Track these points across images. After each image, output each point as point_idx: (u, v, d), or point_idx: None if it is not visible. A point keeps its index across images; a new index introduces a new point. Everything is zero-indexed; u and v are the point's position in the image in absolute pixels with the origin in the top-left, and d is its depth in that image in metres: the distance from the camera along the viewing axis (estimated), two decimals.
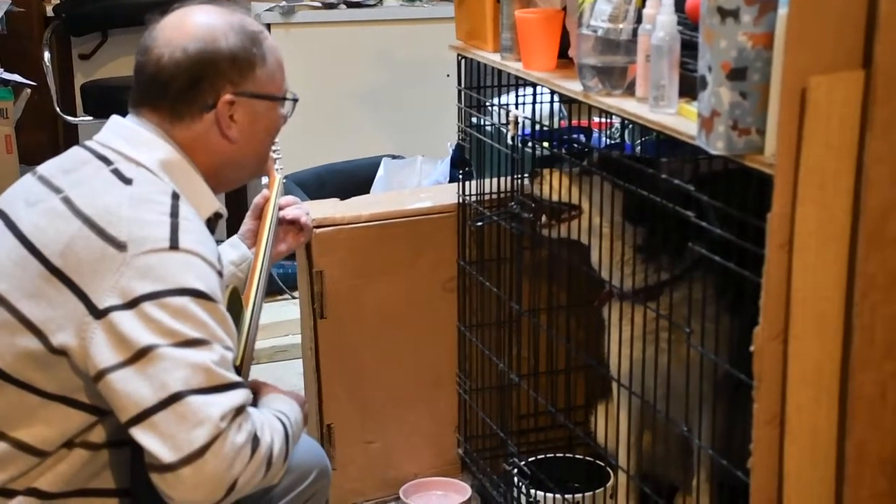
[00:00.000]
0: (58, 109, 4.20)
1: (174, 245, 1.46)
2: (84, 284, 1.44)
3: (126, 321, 1.41)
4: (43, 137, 4.26)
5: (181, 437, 1.38)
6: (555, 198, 2.13)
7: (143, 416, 1.40)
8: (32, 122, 4.11)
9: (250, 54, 1.60)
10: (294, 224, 2.02)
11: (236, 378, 1.45)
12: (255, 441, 1.43)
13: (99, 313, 1.42)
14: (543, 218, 2.16)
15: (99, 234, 1.46)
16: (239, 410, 1.42)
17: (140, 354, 1.40)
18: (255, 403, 1.60)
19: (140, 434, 1.40)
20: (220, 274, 1.52)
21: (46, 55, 4.16)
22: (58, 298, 1.45)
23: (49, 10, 4.34)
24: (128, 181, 1.52)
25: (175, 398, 1.39)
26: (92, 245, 1.45)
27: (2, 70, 3.77)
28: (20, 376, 1.48)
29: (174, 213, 1.49)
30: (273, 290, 3.51)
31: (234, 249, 1.95)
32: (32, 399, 1.48)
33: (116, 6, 4.29)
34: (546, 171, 2.15)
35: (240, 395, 1.43)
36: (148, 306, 1.41)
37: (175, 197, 1.52)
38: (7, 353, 1.48)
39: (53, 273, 1.45)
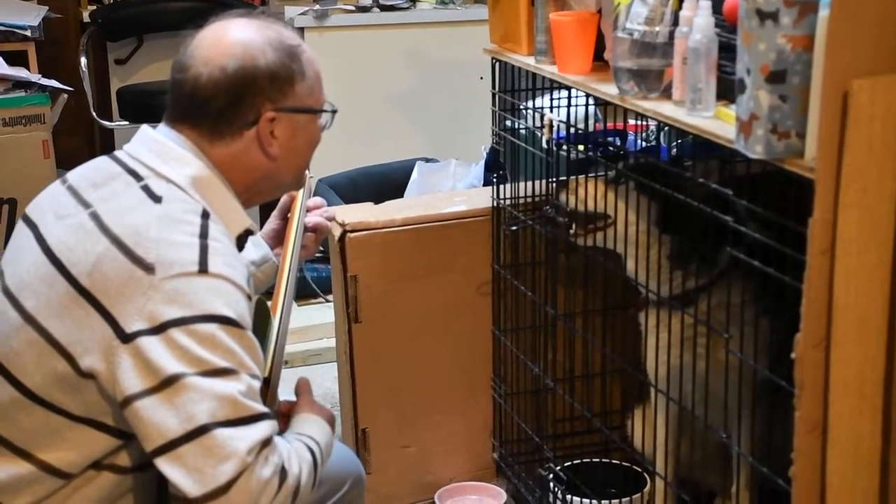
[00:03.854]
0: (94, 114, 4.23)
1: (203, 269, 1.43)
2: (111, 307, 1.42)
3: (153, 347, 1.39)
4: (80, 142, 4.30)
5: (207, 472, 1.36)
6: (583, 208, 2.12)
7: (168, 448, 1.38)
8: (69, 127, 4.15)
9: (289, 70, 1.57)
10: (315, 230, 1.96)
11: (263, 409, 1.43)
12: (282, 473, 1.41)
13: (126, 337, 1.40)
14: (574, 227, 2.14)
15: (127, 254, 1.43)
16: (266, 443, 1.40)
17: (167, 383, 1.38)
18: (286, 425, 1.59)
19: (165, 465, 1.38)
20: (248, 297, 1.49)
21: (83, 60, 4.19)
22: (85, 320, 1.43)
23: (85, 16, 4.38)
24: (157, 199, 1.49)
25: (202, 431, 1.37)
26: (119, 266, 1.43)
27: (39, 76, 3.80)
28: (48, 397, 1.46)
29: (203, 235, 1.47)
30: (307, 293, 3.52)
31: (256, 249, 1.91)
32: (59, 421, 1.47)
33: (152, 12, 4.33)
34: (573, 182, 2.13)
35: (266, 427, 1.42)
36: (175, 333, 1.39)
37: (205, 216, 1.50)
38: (36, 373, 1.47)
39: (81, 293, 1.44)
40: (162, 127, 1.59)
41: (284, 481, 1.41)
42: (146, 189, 1.51)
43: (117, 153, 1.59)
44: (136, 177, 1.53)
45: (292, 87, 1.58)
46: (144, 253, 1.43)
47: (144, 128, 1.61)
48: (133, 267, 1.42)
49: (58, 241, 1.49)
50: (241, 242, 1.61)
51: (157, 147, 1.56)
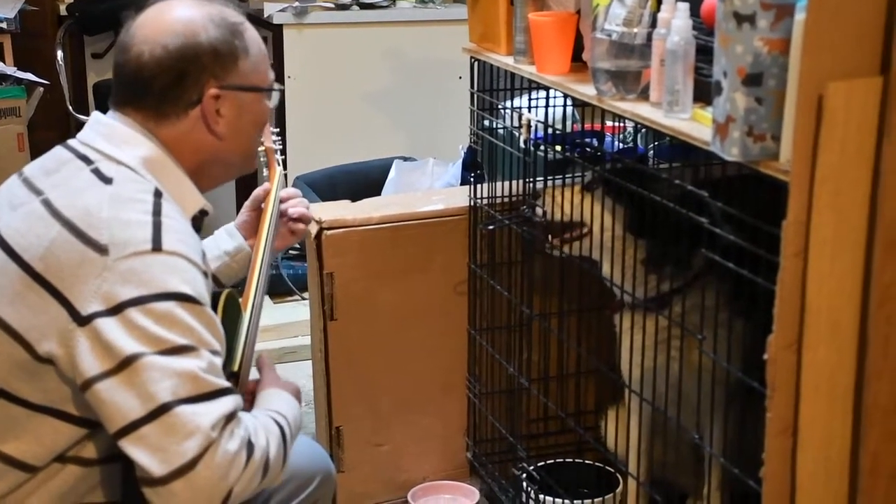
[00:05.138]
0: (70, 108, 4.21)
1: (157, 247, 1.42)
2: (66, 290, 1.40)
3: (110, 328, 1.38)
4: (55, 136, 4.22)
5: (172, 450, 1.34)
6: (559, 217, 2.13)
7: (131, 428, 1.36)
8: (45, 120, 4.12)
9: (232, 46, 1.56)
10: (295, 220, 1.96)
11: (225, 384, 1.41)
12: (249, 447, 1.40)
13: (83, 320, 1.39)
14: (550, 238, 2.15)
15: (79, 237, 1.42)
16: (230, 417, 1.39)
17: (125, 363, 1.37)
18: (252, 403, 1.58)
19: (129, 447, 1.37)
20: (205, 274, 1.48)
21: (59, 54, 4.17)
22: (39, 304, 1.41)
23: (62, 10, 4.35)
24: (108, 180, 1.48)
25: (163, 409, 1.35)
26: (73, 249, 1.41)
27: (15, 69, 3.78)
28: (7, 386, 1.45)
29: (157, 212, 1.46)
30: (283, 291, 3.51)
31: (230, 239, 1.91)
32: (18, 411, 1.45)
33: (129, 5, 4.29)
34: (548, 191, 2.13)
35: (230, 402, 1.40)
36: (132, 312, 1.38)
37: (157, 195, 1.49)
38: None
39: (34, 278, 1.42)
40: (110, 112, 1.58)
41: (252, 455, 1.40)
42: (96, 172, 1.50)
43: (69, 141, 1.59)
44: (86, 161, 1.52)
45: (236, 64, 1.57)
46: (97, 234, 1.42)
47: (95, 114, 1.61)
48: (86, 249, 1.41)
49: (10, 229, 1.48)
50: (196, 223, 1.59)
51: (106, 131, 1.55)
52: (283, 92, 1.70)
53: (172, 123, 1.56)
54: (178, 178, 1.56)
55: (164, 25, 1.55)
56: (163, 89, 1.54)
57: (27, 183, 1.54)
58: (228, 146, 1.60)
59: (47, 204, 1.47)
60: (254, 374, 1.68)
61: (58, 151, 1.57)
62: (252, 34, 1.61)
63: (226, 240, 1.90)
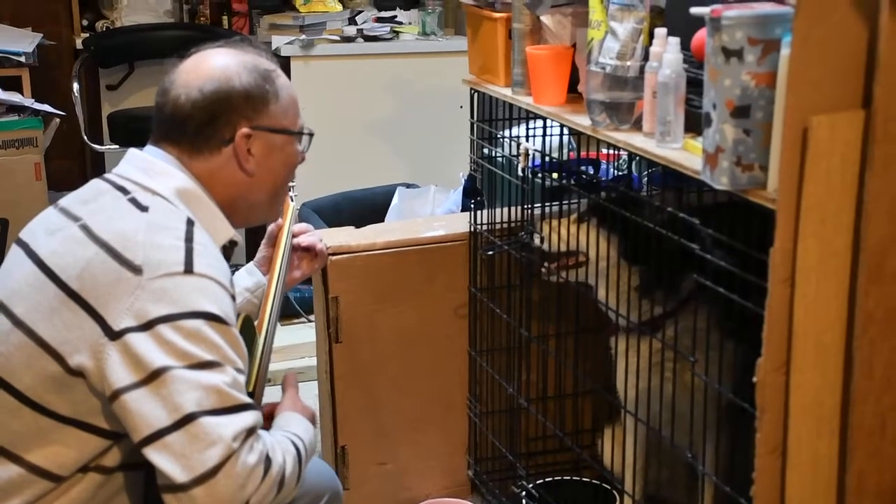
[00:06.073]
0: (85, 138, 4.25)
1: (189, 269, 1.49)
2: (100, 307, 1.47)
3: (141, 342, 1.44)
4: (71, 165, 4.33)
5: (194, 458, 1.40)
6: (555, 248, 2.17)
7: (156, 437, 1.42)
8: (61, 150, 4.17)
9: (263, 91, 1.65)
10: (309, 251, 2.06)
11: (248, 400, 1.47)
12: (267, 462, 1.46)
13: (114, 335, 1.45)
14: (547, 265, 2.19)
15: (115, 257, 1.49)
16: (250, 431, 1.45)
17: (154, 376, 1.43)
18: (269, 425, 1.63)
19: (153, 454, 1.42)
20: (233, 297, 1.55)
21: (75, 86, 4.21)
22: (73, 320, 1.48)
23: (78, 43, 4.41)
24: (144, 208, 1.55)
25: (188, 419, 1.41)
26: (108, 268, 1.48)
27: (33, 100, 3.83)
28: (38, 399, 1.50)
29: (189, 239, 1.53)
30: (290, 313, 3.55)
31: (249, 276, 1.98)
32: (47, 422, 1.50)
33: (143, 39, 4.36)
34: (544, 224, 2.18)
35: (251, 417, 1.46)
36: (162, 328, 1.44)
37: (190, 223, 1.56)
38: (25, 375, 1.51)
39: (70, 296, 1.49)
40: (147, 147, 1.67)
41: (269, 470, 1.45)
42: (133, 201, 1.57)
43: (107, 175, 1.66)
44: (124, 191, 1.59)
45: (266, 106, 1.66)
46: (132, 255, 1.49)
47: (132, 150, 1.68)
48: (121, 269, 1.48)
49: (48, 251, 1.54)
50: (226, 253, 1.66)
51: (143, 164, 1.63)
52: (311, 136, 1.76)
53: (206, 159, 1.64)
54: (209, 209, 1.63)
55: (202, 71, 1.64)
56: (198, 128, 1.62)
57: (64, 211, 1.61)
58: (257, 183, 1.68)
59: (85, 228, 1.54)
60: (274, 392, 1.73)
61: (95, 183, 1.65)
62: (283, 81, 1.70)
63: (245, 278, 1.97)
